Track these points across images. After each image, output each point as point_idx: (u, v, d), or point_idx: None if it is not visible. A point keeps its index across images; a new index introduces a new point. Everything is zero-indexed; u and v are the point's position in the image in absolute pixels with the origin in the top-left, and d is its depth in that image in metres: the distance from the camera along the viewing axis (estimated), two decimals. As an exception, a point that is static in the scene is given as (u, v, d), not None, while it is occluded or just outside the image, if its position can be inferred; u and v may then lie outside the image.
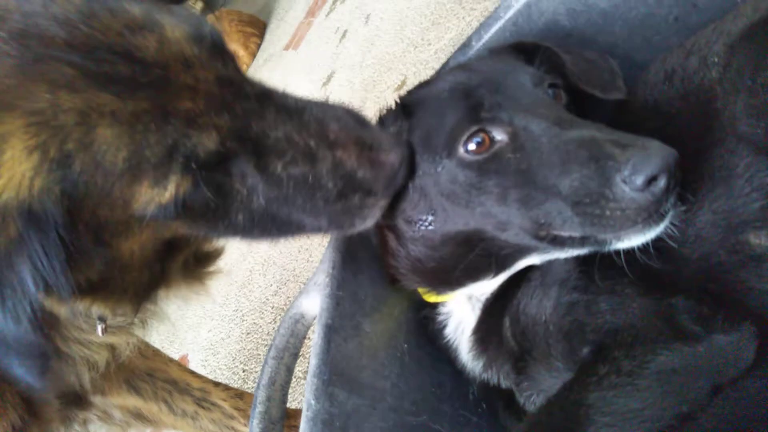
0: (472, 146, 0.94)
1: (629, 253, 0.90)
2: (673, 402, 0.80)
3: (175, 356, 2.62)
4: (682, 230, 0.89)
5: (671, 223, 0.86)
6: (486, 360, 1.08)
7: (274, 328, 2.36)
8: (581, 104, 1.05)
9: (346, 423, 1.03)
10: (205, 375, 2.44)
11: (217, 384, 1.58)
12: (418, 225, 1.03)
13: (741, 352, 0.83)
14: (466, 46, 1.24)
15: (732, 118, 0.81)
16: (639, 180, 0.80)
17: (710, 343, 0.82)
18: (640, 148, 0.81)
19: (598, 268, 0.95)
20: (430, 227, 1.02)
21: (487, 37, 1.21)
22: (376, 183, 0.95)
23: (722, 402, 0.85)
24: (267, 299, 2.49)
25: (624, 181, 0.81)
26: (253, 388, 2.25)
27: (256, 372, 2.28)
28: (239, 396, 1.57)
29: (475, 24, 2.30)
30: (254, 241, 1.00)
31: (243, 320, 2.52)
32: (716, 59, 0.96)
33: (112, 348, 1.17)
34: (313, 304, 1.19)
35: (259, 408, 1.11)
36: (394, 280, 1.18)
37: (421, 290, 1.15)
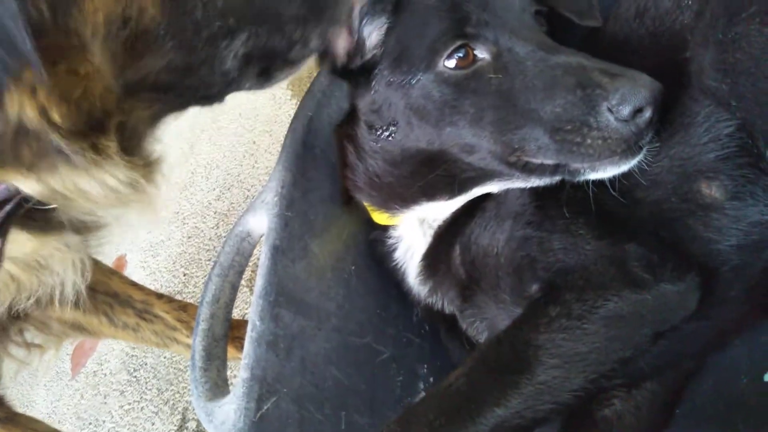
0: (453, 61, 0.91)
1: (586, 191, 0.91)
2: (618, 347, 0.83)
3: (113, 257, 2.57)
4: (640, 172, 0.89)
5: (644, 158, 0.88)
6: (433, 285, 1.09)
7: (216, 234, 2.34)
8: (555, 34, 1.02)
9: (291, 344, 1.03)
10: (144, 277, 2.43)
11: (160, 296, 1.55)
12: (378, 134, 1.01)
13: (685, 302, 0.86)
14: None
15: (699, 69, 0.80)
16: (626, 110, 0.81)
17: (658, 292, 0.84)
18: (630, 79, 0.81)
19: (553, 206, 0.96)
20: (390, 138, 1.00)
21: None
22: None
23: (660, 342, 0.88)
24: (210, 203, 2.45)
25: (610, 110, 0.81)
26: (193, 293, 2.24)
27: (197, 276, 2.27)
28: (183, 308, 1.55)
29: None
30: (224, 36, 0.88)
31: (184, 223, 2.47)
32: (689, 2, 0.94)
33: (18, 284, 1.08)
34: (260, 223, 1.16)
35: (203, 325, 1.10)
36: (349, 199, 1.16)
37: (372, 211, 1.13)
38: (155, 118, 0.98)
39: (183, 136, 2.78)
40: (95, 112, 0.83)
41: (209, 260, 2.28)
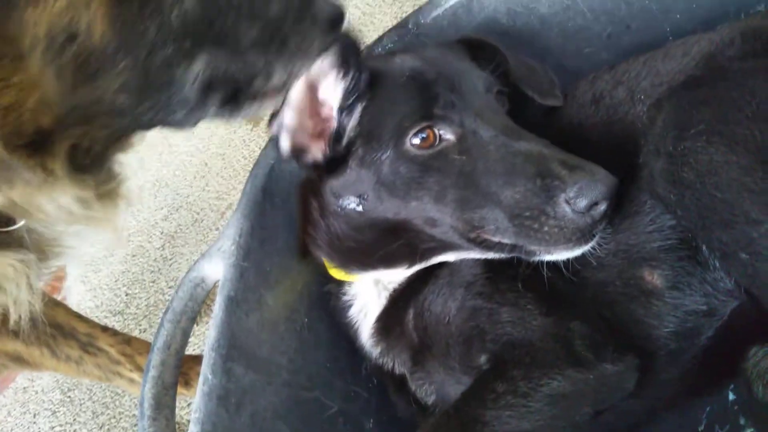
0: (417, 140, 0.95)
1: (538, 267, 0.95)
2: (560, 425, 0.87)
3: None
4: (589, 253, 0.94)
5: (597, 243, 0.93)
6: (385, 347, 1.11)
7: (162, 255, 2.30)
8: (516, 113, 1.07)
9: (242, 399, 1.04)
10: (84, 293, 2.38)
11: (105, 329, 1.53)
12: (345, 203, 1.03)
13: (623, 383, 0.91)
14: (402, 27, 1.22)
15: (650, 177, 0.86)
16: (582, 203, 0.85)
17: (599, 372, 0.88)
18: (588, 173, 0.86)
19: (503, 279, 1.00)
20: (358, 209, 1.02)
21: (424, 22, 1.19)
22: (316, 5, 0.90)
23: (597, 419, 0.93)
24: (156, 223, 2.41)
25: (567, 202, 0.86)
26: (135, 314, 2.20)
27: (140, 297, 2.23)
28: (127, 342, 1.53)
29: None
30: (180, 60, 0.85)
31: (129, 241, 2.42)
32: (642, 97, 1.00)
33: None
34: (215, 270, 1.17)
35: (153, 372, 1.10)
36: (306, 252, 1.17)
37: (328, 266, 1.15)
38: (114, 139, 0.95)
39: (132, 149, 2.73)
40: (27, 125, 0.80)
41: (153, 281, 2.25)
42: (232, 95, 0.91)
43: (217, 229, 2.20)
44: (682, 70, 0.99)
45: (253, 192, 1.21)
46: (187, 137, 2.64)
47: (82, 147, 0.89)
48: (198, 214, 2.33)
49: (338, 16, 0.94)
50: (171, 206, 2.43)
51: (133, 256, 2.37)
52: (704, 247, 0.90)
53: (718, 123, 0.79)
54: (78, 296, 2.40)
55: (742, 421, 1.07)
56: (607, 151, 1.00)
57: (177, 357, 1.14)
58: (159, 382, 1.09)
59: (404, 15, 2.17)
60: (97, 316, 2.26)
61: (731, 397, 1.09)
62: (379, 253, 1.04)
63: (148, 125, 0.92)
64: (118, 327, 2.13)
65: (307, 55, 0.91)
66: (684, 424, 1.08)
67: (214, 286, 1.18)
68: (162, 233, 2.37)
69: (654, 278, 0.94)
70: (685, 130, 0.80)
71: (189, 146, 2.60)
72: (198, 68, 0.85)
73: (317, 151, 1.03)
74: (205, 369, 1.03)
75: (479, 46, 1.10)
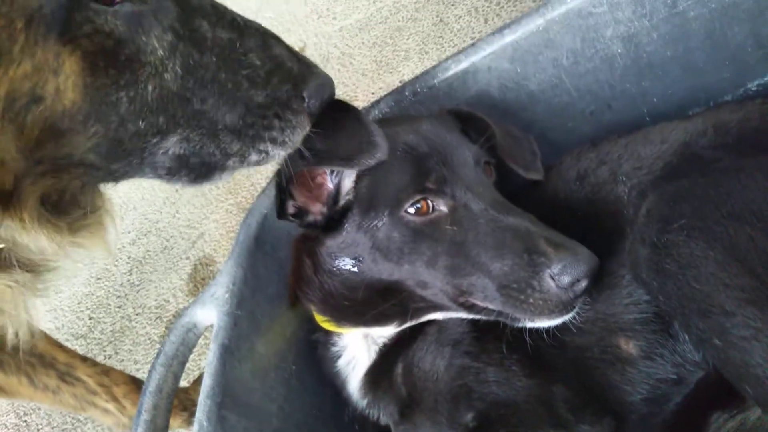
0: (412, 210, 1.01)
1: (521, 331, 1.02)
2: None
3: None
4: (568, 321, 1.01)
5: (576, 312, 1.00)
6: (372, 398, 1.16)
7: (129, 281, 2.30)
8: (502, 183, 1.14)
9: (235, 446, 1.08)
10: (44, 313, 2.34)
11: (84, 359, 1.53)
12: (341, 264, 1.08)
13: None
14: (398, 93, 1.29)
15: (636, 263, 0.93)
16: (566, 280, 0.93)
17: None
18: (571, 251, 0.94)
19: (490, 339, 1.07)
20: (353, 269, 1.07)
21: (421, 91, 1.26)
22: (305, 81, 0.91)
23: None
24: (123, 246, 2.40)
25: (551, 277, 0.93)
26: (99, 339, 2.19)
27: (105, 322, 2.22)
28: (105, 373, 1.54)
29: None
30: (153, 134, 0.87)
31: (93, 262, 2.40)
32: (624, 178, 1.08)
33: None
34: (208, 316, 1.21)
35: (145, 416, 1.13)
36: (295, 302, 1.22)
37: (318, 317, 1.19)
38: (89, 185, 0.96)
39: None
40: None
41: (119, 307, 2.24)
42: (205, 167, 0.93)
43: (188, 258, 2.21)
44: (661, 156, 1.08)
45: (246, 241, 1.25)
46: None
47: (54, 195, 0.90)
48: (168, 241, 2.33)
49: (329, 97, 0.96)
50: (139, 231, 2.42)
51: (98, 279, 2.36)
52: (676, 324, 0.98)
53: (698, 219, 0.87)
54: (37, 316, 2.36)
55: (700, 479, 1.16)
56: (590, 225, 1.08)
57: (168, 400, 1.16)
58: (151, 426, 1.12)
59: (383, 58, 2.27)
60: (57, 338, 2.23)
61: (692, 456, 1.18)
62: (371, 311, 1.09)
63: (121, 179, 0.93)
64: (80, 351, 2.11)
65: (287, 144, 0.93)
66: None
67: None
68: (129, 258, 2.36)
69: (629, 347, 1.02)
70: (668, 223, 0.88)
71: (159, 170, 2.59)
72: (171, 143, 0.88)
73: (316, 212, 1.09)
74: (200, 416, 1.07)
75: (469, 118, 1.18)
